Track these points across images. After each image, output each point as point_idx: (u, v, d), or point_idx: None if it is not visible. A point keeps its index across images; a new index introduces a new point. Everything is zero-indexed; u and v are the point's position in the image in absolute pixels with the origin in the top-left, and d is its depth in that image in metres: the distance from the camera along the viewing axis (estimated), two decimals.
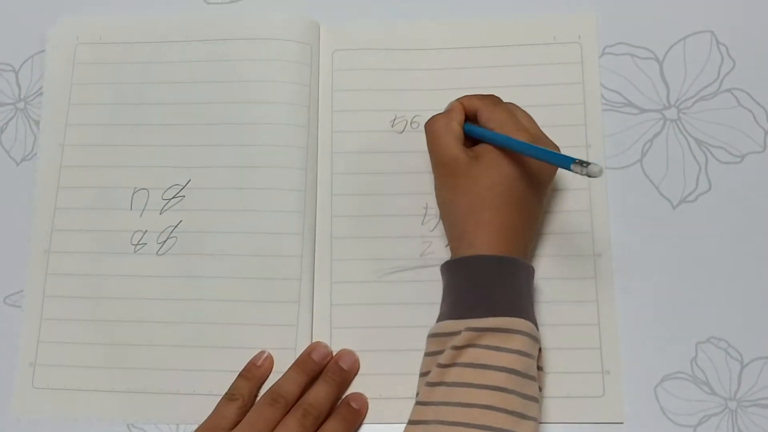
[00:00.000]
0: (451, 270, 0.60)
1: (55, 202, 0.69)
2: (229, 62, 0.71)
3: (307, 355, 0.64)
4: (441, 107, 0.67)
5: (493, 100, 0.63)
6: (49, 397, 0.65)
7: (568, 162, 0.53)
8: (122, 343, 0.66)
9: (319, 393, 0.62)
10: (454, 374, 0.55)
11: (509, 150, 0.59)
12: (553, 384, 0.62)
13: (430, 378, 0.56)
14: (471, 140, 0.62)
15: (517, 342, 0.55)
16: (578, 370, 0.63)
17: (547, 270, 0.65)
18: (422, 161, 0.66)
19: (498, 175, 0.59)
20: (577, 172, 0.52)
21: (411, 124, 0.69)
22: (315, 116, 0.70)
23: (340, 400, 0.63)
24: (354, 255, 0.67)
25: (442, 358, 0.56)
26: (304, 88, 0.70)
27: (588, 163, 0.51)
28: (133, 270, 0.67)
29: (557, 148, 0.61)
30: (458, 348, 0.55)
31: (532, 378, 0.56)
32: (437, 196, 0.63)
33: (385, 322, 0.65)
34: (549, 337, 0.63)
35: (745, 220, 0.66)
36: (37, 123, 0.72)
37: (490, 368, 0.54)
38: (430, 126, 0.62)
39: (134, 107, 0.71)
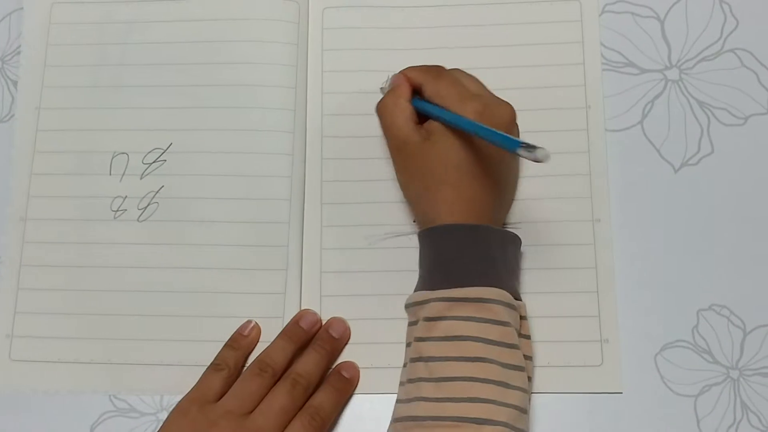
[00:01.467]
0: (421, 241, 0.59)
1: (31, 168, 0.67)
2: (213, 21, 0.69)
3: (295, 323, 0.62)
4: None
5: (437, 70, 0.61)
6: (28, 369, 0.64)
7: (513, 145, 0.51)
8: (103, 313, 0.64)
9: (309, 362, 0.60)
10: (430, 348, 0.54)
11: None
12: (550, 353, 0.61)
13: (410, 353, 0.56)
14: (421, 115, 0.60)
15: (491, 311, 0.54)
16: (576, 338, 0.61)
17: (545, 236, 0.63)
18: None
19: (449, 150, 0.57)
20: (524, 157, 0.50)
21: None
22: (304, 77, 0.68)
23: (331, 370, 0.62)
24: (344, 221, 0.65)
25: (417, 331, 0.55)
26: (292, 47, 0.68)
27: (535, 147, 0.49)
28: (114, 237, 0.65)
29: (511, 110, 0.59)
30: (431, 319, 0.55)
31: (511, 346, 0.55)
32: (398, 181, 0.62)
33: (377, 290, 0.63)
34: (546, 304, 0.61)
35: (749, 184, 0.64)
36: (15, 83, 0.70)
37: (466, 339, 0.54)
38: (381, 109, 0.61)
39: (114, 68, 0.69)
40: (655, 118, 0.65)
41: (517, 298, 0.57)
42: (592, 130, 0.65)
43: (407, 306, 0.58)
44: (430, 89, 0.59)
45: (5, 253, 0.66)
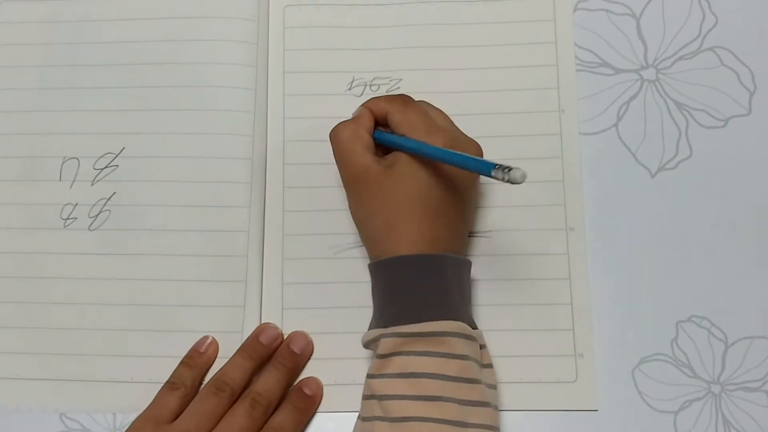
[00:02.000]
0: (373, 274, 0.56)
1: None
2: (168, 20, 0.66)
3: (254, 338, 0.60)
4: (403, 68, 0.65)
5: (403, 100, 0.58)
6: None
7: (487, 168, 0.48)
8: (52, 327, 0.62)
9: (269, 380, 0.58)
10: (383, 386, 0.52)
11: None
12: (522, 368, 0.59)
13: (364, 390, 0.54)
14: (383, 149, 0.57)
15: (448, 345, 0.52)
16: (549, 353, 0.59)
17: (516, 245, 0.61)
18: None
19: (413, 183, 0.54)
20: (498, 179, 0.47)
21: (370, 86, 0.65)
22: (264, 78, 0.65)
23: (292, 387, 0.59)
24: (308, 229, 0.63)
25: (370, 369, 0.53)
26: (251, 46, 0.65)
27: (509, 168, 0.47)
28: (63, 247, 0.63)
29: (479, 147, 0.57)
30: (384, 356, 0.52)
31: (471, 381, 0.52)
32: (352, 216, 0.59)
33: (342, 302, 0.61)
34: (517, 317, 0.60)
35: (729, 188, 0.62)
36: None
37: (421, 376, 0.51)
38: (336, 136, 0.57)
39: (64, 69, 0.66)
40: (631, 121, 0.64)
41: (473, 327, 0.54)
42: (566, 134, 0.63)
43: (365, 345, 0.55)
44: (397, 118, 0.56)
45: None
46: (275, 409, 0.57)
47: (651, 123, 0.63)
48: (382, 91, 0.64)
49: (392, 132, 0.56)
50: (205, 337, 0.60)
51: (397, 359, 0.52)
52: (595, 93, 0.64)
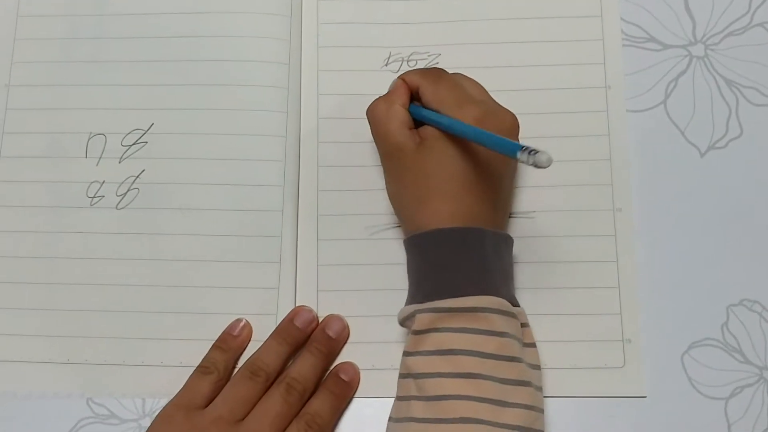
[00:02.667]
0: (408, 249, 0.55)
1: (0, 149, 0.63)
2: None
3: (289, 321, 0.58)
4: (441, 43, 0.63)
5: (435, 74, 0.57)
6: None
7: (512, 149, 0.47)
8: (79, 309, 0.60)
9: (304, 365, 0.57)
10: (419, 364, 0.51)
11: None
12: (568, 354, 0.58)
13: (400, 369, 0.53)
14: (417, 123, 0.56)
15: (486, 321, 0.50)
16: (596, 338, 0.58)
17: (561, 227, 0.60)
18: None
19: (444, 159, 0.53)
20: (523, 161, 0.46)
21: (407, 62, 0.63)
22: (297, 53, 0.64)
23: (328, 372, 0.58)
24: (343, 209, 0.61)
25: (406, 346, 0.53)
26: (285, 19, 0.64)
27: (535, 151, 0.45)
28: (90, 226, 0.61)
29: (514, 119, 0.55)
30: (420, 332, 0.51)
31: (509, 359, 0.51)
32: (387, 192, 0.58)
33: (378, 284, 0.60)
34: (563, 301, 0.59)
35: None
36: None
37: (458, 353, 0.50)
38: (372, 111, 0.57)
39: (90, 42, 0.65)
40: (680, 98, 0.62)
41: (515, 304, 0.53)
42: (612, 111, 0.61)
43: (400, 323, 0.55)
44: (428, 93, 0.55)
45: None
46: (311, 395, 0.56)
47: (700, 101, 0.62)
48: (419, 66, 0.62)
49: (426, 106, 0.55)
50: (239, 320, 0.59)
51: (433, 336, 0.51)
52: (643, 69, 0.62)
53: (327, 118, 0.62)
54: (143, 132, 0.62)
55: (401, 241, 0.59)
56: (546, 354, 0.56)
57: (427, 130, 0.54)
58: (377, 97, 0.57)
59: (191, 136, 0.62)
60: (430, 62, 0.63)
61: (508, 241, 0.55)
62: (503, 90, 0.57)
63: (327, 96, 0.63)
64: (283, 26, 0.63)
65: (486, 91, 0.56)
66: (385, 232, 0.60)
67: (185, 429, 0.53)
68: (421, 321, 0.51)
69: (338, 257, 0.60)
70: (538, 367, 0.54)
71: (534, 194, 0.60)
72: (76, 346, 0.60)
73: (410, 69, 0.62)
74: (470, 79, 0.57)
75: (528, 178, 0.60)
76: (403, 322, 0.54)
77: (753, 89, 0.62)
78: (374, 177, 0.61)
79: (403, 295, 0.55)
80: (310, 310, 0.59)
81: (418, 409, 0.50)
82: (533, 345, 0.54)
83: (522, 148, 0.46)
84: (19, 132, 0.63)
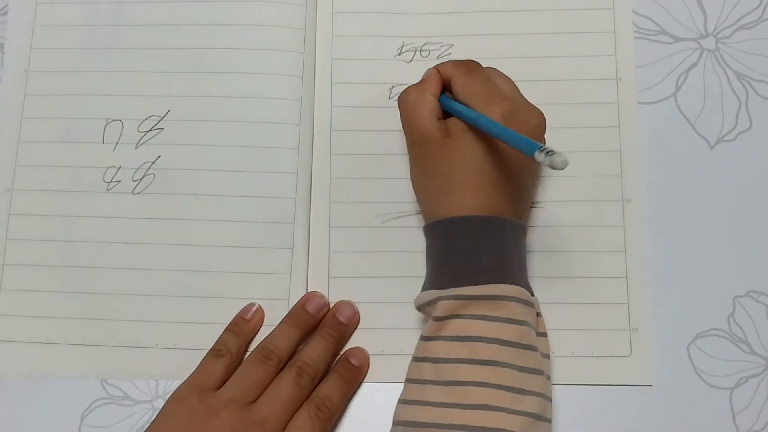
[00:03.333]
0: (431, 233, 0.55)
1: (18, 135, 0.64)
2: None
3: (301, 306, 0.59)
4: (454, 33, 0.63)
5: (468, 66, 0.57)
6: (12, 351, 0.60)
7: (531, 148, 0.47)
8: (95, 292, 0.61)
9: (315, 349, 0.57)
10: (438, 349, 0.51)
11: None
12: (576, 342, 0.58)
13: (416, 352, 0.53)
14: (447, 114, 0.57)
15: (507, 309, 0.51)
16: (603, 327, 0.58)
17: (571, 217, 0.60)
18: None
19: (469, 152, 0.53)
20: (539, 161, 0.47)
21: (420, 52, 0.63)
22: (312, 42, 0.64)
23: (338, 357, 0.59)
24: (355, 197, 0.61)
25: (425, 330, 0.53)
26: (300, 8, 0.64)
27: (552, 153, 0.46)
28: (106, 210, 0.62)
29: (541, 117, 0.55)
30: (440, 319, 0.52)
31: (528, 348, 0.51)
32: (411, 179, 0.58)
33: (389, 271, 0.60)
34: (571, 290, 0.59)
35: None
36: (1, 46, 0.66)
37: (479, 340, 0.50)
38: (402, 99, 0.57)
39: (108, 28, 0.65)
40: (690, 91, 0.62)
41: (531, 294, 0.54)
42: (623, 102, 0.61)
43: (418, 308, 0.55)
44: (459, 85, 0.55)
45: None
46: (321, 379, 0.57)
47: (710, 93, 0.62)
48: (432, 57, 0.63)
49: (456, 97, 0.55)
50: (251, 304, 0.59)
51: (454, 322, 0.51)
52: (654, 61, 0.62)
53: (340, 107, 0.62)
54: (159, 118, 0.63)
55: (412, 230, 0.60)
56: (554, 342, 0.57)
57: (454, 123, 0.54)
58: (397, 85, 0.58)
59: (206, 123, 0.62)
60: (442, 52, 0.63)
61: (524, 230, 0.55)
62: (515, 81, 0.57)
63: (341, 84, 0.63)
64: (299, 16, 0.64)
65: (517, 88, 0.56)
66: (396, 220, 0.61)
67: (198, 410, 0.54)
68: (443, 307, 0.51)
69: (350, 244, 0.60)
70: (548, 357, 0.54)
71: (544, 184, 0.60)
72: (91, 328, 0.60)
73: (424, 60, 0.62)
74: (503, 74, 0.57)
75: (539, 168, 0.60)
76: (422, 307, 0.54)
77: (763, 83, 0.62)
78: (386, 165, 0.61)
79: (414, 282, 0.56)
80: (322, 296, 0.59)
81: (434, 393, 0.50)
82: (545, 334, 0.54)
83: (540, 148, 0.46)
84: (38, 117, 0.63)
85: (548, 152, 0.46)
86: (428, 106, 0.55)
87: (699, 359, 0.58)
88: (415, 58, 0.63)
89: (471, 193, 0.53)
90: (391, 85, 0.62)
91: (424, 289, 0.54)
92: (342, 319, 0.59)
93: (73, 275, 0.61)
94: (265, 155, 0.62)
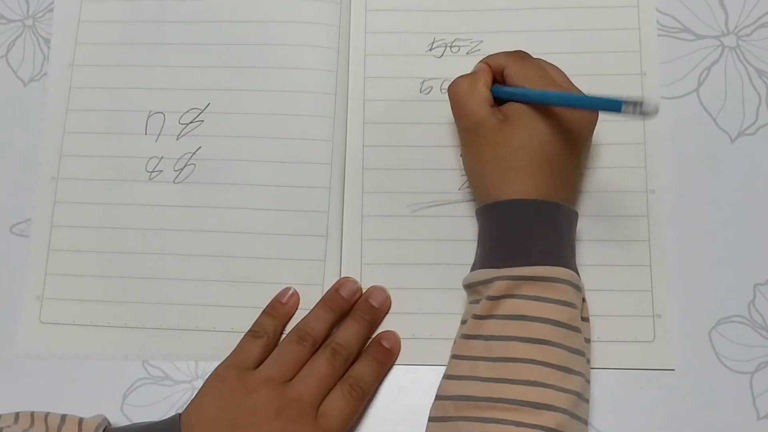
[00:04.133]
0: (486, 215, 0.56)
1: (64, 126, 0.65)
2: None
3: (335, 291, 0.60)
4: (484, 30, 0.65)
5: (520, 55, 0.58)
6: (58, 332, 0.62)
7: (616, 105, 0.47)
8: (137, 277, 0.62)
9: (349, 332, 0.59)
10: (491, 327, 0.52)
11: (541, 106, 0.54)
12: (601, 328, 0.59)
13: (466, 330, 0.54)
14: (499, 103, 0.58)
15: (559, 291, 0.52)
16: (628, 313, 0.59)
17: (597, 207, 0.61)
18: None
19: (529, 134, 0.54)
20: (629, 113, 0.47)
21: (450, 48, 0.65)
22: (346, 38, 0.66)
23: (371, 340, 0.60)
24: (386, 187, 0.63)
25: (478, 309, 0.53)
26: (335, 6, 0.66)
27: (641, 102, 0.46)
28: (149, 199, 0.64)
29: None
30: (494, 298, 0.52)
31: (576, 330, 0.53)
32: (464, 164, 0.59)
33: (419, 259, 0.61)
34: (597, 278, 0.60)
35: None
36: (47, 41, 0.68)
37: (532, 319, 0.51)
38: (454, 89, 0.58)
39: (150, 24, 0.67)
40: (712, 86, 0.63)
41: (579, 277, 0.55)
42: (648, 97, 0.62)
43: (467, 286, 0.56)
44: (514, 70, 0.56)
45: (36, 213, 0.64)
46: (354, 360, 0.58)
47: (731, 89, 0.63)
48: (462, 53, 0.64)
49: (510, 84, 0.57)
50: (287, 288, 0.61)
51: (508, 301, 0.52)
52: (676, 58, 0.64)
53: (373, 100, 0.64)
54: (200, 111, 0.64)
55: (441, 219, 0.61)
56: None
57: (512, 107, 0.55)
58: (428, 80, 0.60)
59: (245, 115, 0.64)
60: (471, 48, 0.64)
61: (576, 217, 0.56)
62: None
63: (373, 79, 0.64)
64: (333, 13, 0.65)
65: (568, 79, 0.57)
66: (426, 209, 0.62)
67: (237, 387, 0.55)
68: (497, 287, 0.52)
69: (381, 233, 0.62)
70: (589, 341, 0.55)
71: None
72: (133, 311, 0.62)
73: (454, 56, 0.64)
74: (552, 65, 0.58)
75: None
76: (473, 285, 0.55)
77: None
78: (416, 157, 0.62)
79: (443, 269, 0.58)
80: (355, 281, 0.60)
81: (483, 368, 0.51)
82: (587, 320, 0.56)
83: (625, 101, 0.46)
84: (83, 109, 0.65)
85: (636, 103, 0.45)
86: (482, 94, 0.56)
87: (720, 344, 0.59)
88: (445, 53, 0.65)
89: (529, 177, 0.54)
90: (421, 80, 0.64)
91: (474, 268, 0.55)
92: (374, 303, 0.60)
93: (116, 261, 0.62)
94: (301, 146, 0.63)
